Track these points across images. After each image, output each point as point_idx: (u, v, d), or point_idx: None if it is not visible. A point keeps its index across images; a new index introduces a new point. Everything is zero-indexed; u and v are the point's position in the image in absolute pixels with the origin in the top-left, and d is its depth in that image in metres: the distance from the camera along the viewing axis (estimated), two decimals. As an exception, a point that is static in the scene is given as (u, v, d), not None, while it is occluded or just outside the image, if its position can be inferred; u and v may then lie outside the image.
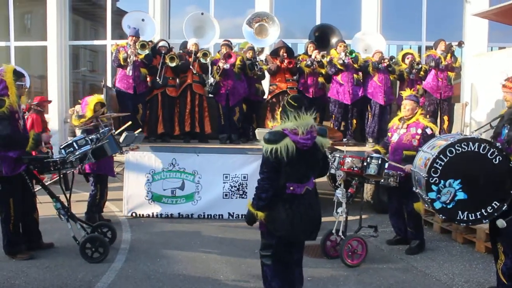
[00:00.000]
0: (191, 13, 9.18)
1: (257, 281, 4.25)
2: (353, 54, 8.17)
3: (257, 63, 8.24)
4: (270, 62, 8.46)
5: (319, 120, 8.76)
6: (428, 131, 5.40)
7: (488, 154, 3.77)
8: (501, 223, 3.81)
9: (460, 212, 3.85)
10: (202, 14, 9.15)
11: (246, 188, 6.99)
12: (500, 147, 3.82)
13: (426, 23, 11.99)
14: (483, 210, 3.84)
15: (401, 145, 5.50)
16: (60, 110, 12.12)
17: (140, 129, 6.83)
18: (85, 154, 4.97)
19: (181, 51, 8.60)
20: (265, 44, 9.20)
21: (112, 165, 6.65)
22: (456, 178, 3.81)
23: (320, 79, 8.58)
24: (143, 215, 7.08)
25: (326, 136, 3.51)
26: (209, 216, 7.07)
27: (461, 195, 3.83)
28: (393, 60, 8.44)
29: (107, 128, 5.41)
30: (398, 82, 8.97)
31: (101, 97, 6.53)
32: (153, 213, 7.08)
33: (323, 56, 8.29)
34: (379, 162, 5.05)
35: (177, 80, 8.31)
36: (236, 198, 7.00)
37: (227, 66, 7.82)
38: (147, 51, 7.74)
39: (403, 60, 8.71)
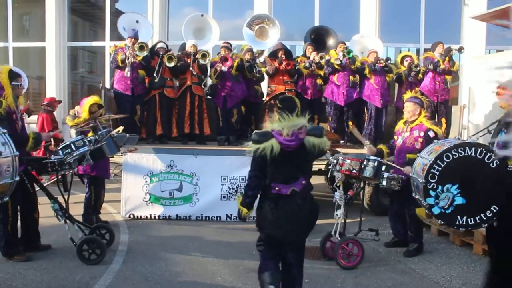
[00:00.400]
0: (191, 14, 9.19)
1: (255, 282, 4.24)
2: (351, 54, 8.18)
3: (255, 65, 8.25)
4: (268, 64, 8.47)
5: (317, 122, 8.78)
6: (431, 134, 5.37)
7: (485, 159, 3.78)
8: None
9: (459, 217, 3.86)
10: (202, 16, 9.16)
11: (244, 190, 6.98)
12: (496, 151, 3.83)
13: (425, 26, 12.02)
14: (482, 214, 3.85)
15: (404, 148, 5.51)
16: (59, 111, 12.05)
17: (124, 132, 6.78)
18: (83, 155, 4.96)
19: (179, 53, 8.60)
20: (265, 46, 9.20)
21: (107, 166, 6.63)
22: (454, 183, 3.82)
23: (319, 81, 8.58)
24: (141, 216, 7.07)
25: (322, 136, 3.48)
26: (207, 218, 7.07)
27: (459, 200, 3.83)
28: (389, 61, 8.43)
29: (106, 130, 5.40)
30: (396, 85, 8.98)
31: (98, 98, 6.51)
32: (151, 215, 7.07)
33: (321, 58, 8.30)
34: (375, 164, 5.07)
35: (175, 81, 8.31)
36: (234, 200, 6.97)
37: (224, 68, 7.84)
38: (145, 53, 7.75)
39: (401, 62, 8.72)
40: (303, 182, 3.50)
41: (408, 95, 5.87)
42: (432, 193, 3.85)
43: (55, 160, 4.89)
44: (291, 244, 3.67)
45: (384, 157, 5.53)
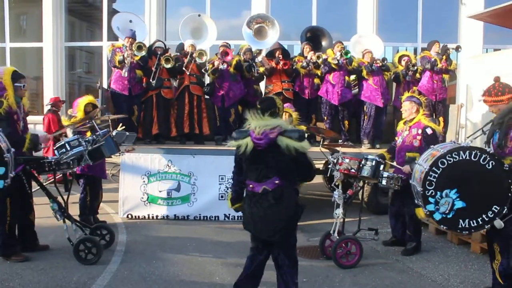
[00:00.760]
0: (188, 14, 9.18)
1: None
2: (348, 55, 8.19)
3: (254, 64, 8.25)
4: (265, 63, 8.47)
5: (314, 121, 8.79)
6: (428, 131, 5.38)
7: (481, 160, 3.79)
8: (498, 223, 3.83)
9: (461, 220, 3.86)
10: (199, 16, 9.15)
11: (242, 190, 6.98)
12: (491, 152, 3.84)
13: (422, 25, 12.04)
14: (483, 216, 3.85)
15: (404, 147, 5.52)
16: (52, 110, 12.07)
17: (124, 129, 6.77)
18: (81, 155, 4.95)
19: (178, 53, 8.60)
20: (263, 46, 9.20)
21: (104, 166, 6.61)
22: (452, 188, 3.83)
23: (316, 81, 8.59)
24: (138, 216, 7.06)
25: (301, 140, 3.47)
26: (205, 218, 7.06)
27: (459, 204, 3.84)
28: (385, 61, 8.43)
29: (105, 130, 5.39)
30: (394, 84, 8.99)
31: (92, 98, 6.49)
32: (148, 215, 7.06)
33: (318, 57, 8.30)
34: (373, 164, 5.07)
35: (173, 81, 8.31)
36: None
37: (222, 66, 7.84)
38: (143, 53, 7.75)
39: (399, 62, 8.73)
40: (277, 182, 3.51)
41: (405, 95, 5.89)
42: (431, 200, 3.86)
43: (52, 160, 4.89)
44: (274, 243, 3.67)
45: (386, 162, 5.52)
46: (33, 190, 5.42)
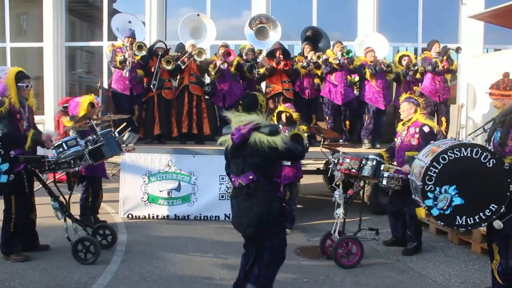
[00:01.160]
0: (187, 14, 9.18)
1: (254, 282, 4.24)
2: (350, 55, 8.18)
3: (255, 65, 8.25)
4: (266, 63, 8.47)
5: (315, 121, 8.79)
6: (426, 129, 5.39)
7: (482, 158, 3.79)
8: (497, 224, 3.83)
9: (458, 217, 3.86)
10: (198, 15, 9.15)
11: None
12: (492, 150, 3.84)
13: (422, 25, 12.03)
14: (481, 214, 3.85)
15: (403, 146, 5.53)
16: (57, 111, 12.08)
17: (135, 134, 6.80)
18: (82, 155, 4.95)
19: (178, 53, 8.60)
20: (263, 46, 9.20)
21: (104, 166, 6.62)
22: (451, 184, 3.82)
23: (316, 80, 8.59)
24: (139, 216, 7.07)
25: (272, 134, 3.51)
26: (206, 218, 7.06)
27: (457, 201, 3.83)
28: (390, 68, 8.39)
29: (107, 130, 5.39)
30: (394, 84, 8.98)
31: (92, 97, 6.51)
32: (149, 215, 7.06)
33: (318, 57, 8.29)
34: (374, 163, 5.07)
35: (173, 82, 8.31)
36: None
37: (224, 66, 7.86)
38: (143, 52, 7.75)
39: (399, 62, 8.71)
40: (251, 177, 3.56)
41: (403, 97, 5.90)
42: (430, 195, 3.86)
43: (51, 159, 4.90)
44: (250, 238, 3.77)
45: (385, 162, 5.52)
46: (34, 189, 5.41)
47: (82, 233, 5.26)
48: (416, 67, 8.43)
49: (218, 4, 12.27)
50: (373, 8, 11.67)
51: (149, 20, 11.82)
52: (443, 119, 8.33)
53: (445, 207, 3.85)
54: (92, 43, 13.20)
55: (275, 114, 6.57)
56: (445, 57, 8.16)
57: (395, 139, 5.85)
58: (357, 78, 8.72)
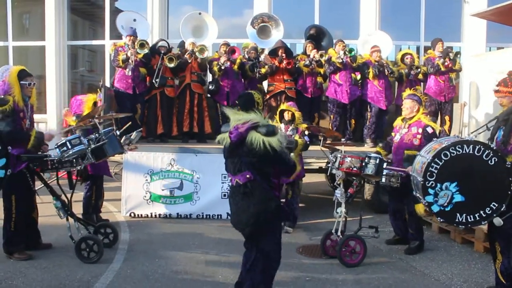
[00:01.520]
0: (189, 12, 9.18)
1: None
2: (352, 53, 8.16)
3: (258, 64, 8.24)
4: (268, 61, 8.46)
5: (317, 120, 8.78)
6: (429, 130, 5.38)
7: (484, 156, 3.78)
8: (497, 221, 3.81)
9: (458, 214, 3.86)
10: (200, 14, 9.15)
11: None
12: (494, 148, 3.83)
13: (425, 23, 11.99)
14: (481, 212, 3.84)
15: (402, 144, 5.51)
16: (59, 110, 12.08)
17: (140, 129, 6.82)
18: (84, 153, 4.96)
19: (179, 51, 8.61)
20: (265, 45, 9.20)
21: (107, 164, 6.64)
22: (452, 181, 3.82)
23: (319, 79, 8.57)
24: (141, 215, 7.07)
25: (268, 135, 3.48)
26: (208, 216, 7.07)
27: (458, 198, 3.83)
28: (393, 74, 8.34)
29: (109, 128, 5.40)
30: (396, 83, 8.96)
31: (95, 96, 6.52)
32: (151, 213, 7.07)
33: (321, 56, 8.28)
34: (377, 162, 5.06)
35: (175, 80, 8.31)
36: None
37: (227, 64, 7.86)
38: (146, 50, 7.75)
39: (402, 60, 8.69)
40: (248, 176, 3.55)
41: (406, 92, 5.87)
42: (431, 191, 3.85)
43: (54, 158, 4.91)
44: (247, 237, 3.76)
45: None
46: (36, 189, 5.42)
47: (85, 232, 5.26)
48: (419, 69, 8.40)
49: (220, 3, 12.25)
50: (376, 7, 11.64)
51: (151, 19, 11.79)
52: (447, 117, 8.29)
53: (446, 204, 3.85)
54: (94, 42, 13.19)
55: (277, 112, 6.57)
56: (447, 58, 8.11)
57: (392, 134, 5.83)
58: (359, 77, 8.70)
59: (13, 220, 5.04)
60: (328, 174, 5.86)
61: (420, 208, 5.35)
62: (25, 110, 5.06)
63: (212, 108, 8.38)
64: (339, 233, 5.27)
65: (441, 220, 4.04)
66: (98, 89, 7.47)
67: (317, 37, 9.34)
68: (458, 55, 8.19)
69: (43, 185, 5.26)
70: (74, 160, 4.93)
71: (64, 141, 4.98)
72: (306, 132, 6.27)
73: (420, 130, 5.42)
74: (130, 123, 6.18)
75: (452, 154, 3.81)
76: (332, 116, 8.46)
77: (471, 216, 3.86)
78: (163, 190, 7.06)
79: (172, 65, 7.90)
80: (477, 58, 8.96)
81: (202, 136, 8.27)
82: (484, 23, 11.02)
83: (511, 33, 10.13)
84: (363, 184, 5.57)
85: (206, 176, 7.04)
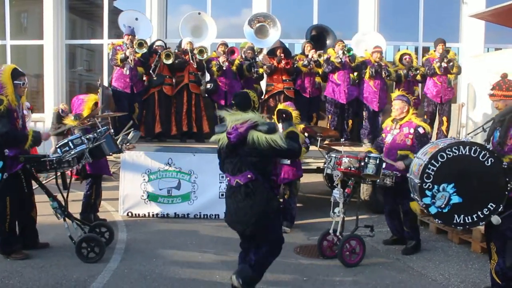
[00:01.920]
0: (188, 12, 9.18)
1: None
2: (351, 52, 8.16)
3: (255, 64, 8.24)
4: (266, 61, 8.46)
5: (316, 120, 8.77)
6: (420, 130, 5.45)
7: (480, 157, 3.78)
8: (496, 219, 3.81)
9: (456, 215, 3.86)
10: (199, 14, 9.15)
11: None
12: (491, 149, 3.83)
13: (423, 24, 12.02)
14: (479, 212, 3.84)
15: (395, 145, 5.52)
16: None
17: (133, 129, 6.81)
18: (82, 153, 4.95)
19: (176, 50, 8.60)
20: (264, 45, 9.20)
21: (107, 163, 6.64)
22: (449, 182, 3.82)
23: (317, 79, 8.57)
24: (139, 214, 7.06)
25: (270, 132, 3.49)
26: (205, 216, 7.06)
27: (456, 199, 3.83)
28: (390, 77, 8.34)
29: (104, 128, 5.39)
30: (394, 83, 8.96)
31: (97, 96, 6.51)
32: (149, 213, 7.06)
33: (319, 56, 8.28)
34: (377, 162, 5.06)
35: (174, 79, 8.30)
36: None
37: (225, 64, 7.86)
38: (144, 50, 7.74)
39: (400, 60, 8.70)
40: (249, 176, 3.54)
41: (396, 93, 5.90)
42: (428, 193, 3.85)
43: (54, 158, 4.88)
44: (247, 237, 3.74)
45: None
46: (33, 188, 5.41)
47: (82, 232, 5.25)
48: (418, 71, 8.41)
49: (218, 2, 12.27)
50: (374, 7, 11.66)
51: (150, 18, 11.79)
52: (444, 118, 8.31)
53: (443, 206, 3.84)
54: (93, 41, 13.19)
55: (275, 112, 6.56)
56: (443, 62, 8.08)
57: (383, 135, 5.84)
58: (356, 74, 8.72)
59: (7, 221, 5.00)
60: (324, 174, 5.85)
61: (415, 206, 5.37)
62: (18, 110, 4.99)
63: (209, 108, 8.37)
64: (337, 233, 5.27)
65: (439, 221, 4.03)
66: (98, 90, 7.49)
67: (320, 37, 9.34)
68: (451, 62, 8.07)
69: (38, 185, 5.24)
70: (72, 160, 4.92)
71: (66, 141, 4.96)
72: (306, 134, 6.27)
73: (412, 130, 5.48)
74: (131, 122, 6.19)
75: (448, 156, 3.81)
76: (330, 116, 8.46)
77: (469, 217, 3.86)
78: (160, 189, 7.05)
79: (169, 61, 7.88)
80: (475, 59, 8.98)
81: (201, 136, 8.27)
82: (483, 24, 11.06)
83: (509, 34, 10.14)
84: (359, 183, 5.57)
85: (203, 176, 7.03)
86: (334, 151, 5.59)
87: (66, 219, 5.11)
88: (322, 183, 9.63)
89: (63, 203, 5.15)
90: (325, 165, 5.44)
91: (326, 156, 5.49)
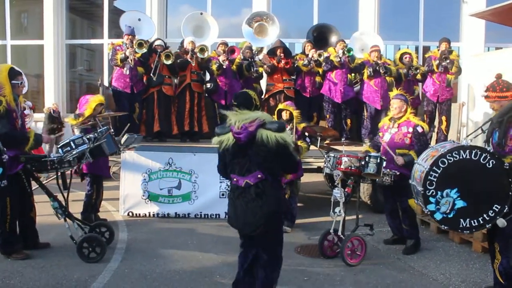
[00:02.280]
0: (189, 12, 9.20)
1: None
2: (351, 53, 8.16)
3: (254, 63, 8.24)
4: (266, 61, 8.46)
5: (316, 120, 8.77)
6: (419, 129, 5.45)
7: (481, 159, 3.78)
8: (501, 222, 3.80)
9: (461, 220, 3.85)
10: (202, 14, 9.16)
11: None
12: (491, 151, 3.82)
13: (424, 23, 12.01)
14: (484, 215, 3.83)
15: (393, 144, 5.51)
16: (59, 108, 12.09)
17: (133, 133, 6.81)
18: (82, 153, 4.95)
19: (178, 50, 8.61)
20: (264, 43, 9.21)
21: (108, 164, 6.64)
22: (452, 187, 3.81)
23: (317, 79, 8.57)
24: (139, 214, 7.06)
25: (280, 131, 3.45)
26: (206, 216, 7.06)
27: (460, 203, 3.82)
28: (387, 73, 8.32)
29: (105, 127, 5.39)
30: (394, 83, 8.95)
31: (102, 97, 6.50)
32: (149, 213, 7.06)
33: (319, 55, 8.28)
34: (378, 161, 5.06)
35: (173, 78, 8.31)
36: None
37: (225, 64, 7.86)
38: (144, 50, 7.75)
39: (400, 59, 8.69)
40: (259, 176, 3.50)
41: (394, 92, 5.89)
42: (432, 199, 3.85)
43: (55, 158, 4.88)
44: (255, 237, 3.65)
45: None
46: (33, 188, 5.41)
47: (82, 232, 5.25)
48: (418, 70, 8.40)
49: (218, 2, 12.27)
50: (374, 7, 11.65)
51: (150, 18, 11.81)
52: (444, 118, 8.29)
53: (448, 211, 3.83)
54: (93, 41, 13.20)
55: (275, 112, 6.56)
56: (441, 61, 8.07)
57: (380, 134, 5.83)
58: (353, 75, 8.73)
59: (7, 221, 5.00)
60: (324, 174, 5.85)
61: (413, 203, 5.38)
62: (17, 110, 4.98)
63: (209, 108, 8.38)
64: (339, 233, 5.27)
65: (446, 227, 4.02)
66: (99, 89, 7.50)
67: (321, 38, 9.33)
68: (448, 60, 8.05)
69: (38, 186, 5.24)
70: (72, 160, 4.92)
71: (68, 141, 4.96)
72: (306, 134, 6.27)
73: (411, 129, 5.47)
74: (129, 125, 6.18)
75: (449, 161, 3.81)
76: (328, 116, 8.47)
77: (475, 221, 3.85)
78: (161, 189, 7.05)
79: (169, 61, 7.89)
80: (475, 58, 8.98)
81: (202, 136, 8.28)
82: (483, 23, 11.05)
83: (509, 33, 10.14)
84: (359, 183, 5.58)
85: (204, 175, 7.02)
86: (333, 150, 5.59)
87: (67, 219, 5.11)
88: (322, 182, 9.62)
89: (63, 203, 5.15)
90: (325, 165, 5.44)
91: (325, 156, 5.49)
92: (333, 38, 9.36)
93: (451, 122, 8.31)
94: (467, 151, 3.78)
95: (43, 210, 5.74)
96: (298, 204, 6.94)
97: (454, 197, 3.81)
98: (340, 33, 9.44)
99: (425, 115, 8.30)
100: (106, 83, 9.59)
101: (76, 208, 6.27)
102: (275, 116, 6.49)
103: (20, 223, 5.24)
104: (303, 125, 6.44)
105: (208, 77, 8.69)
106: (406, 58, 8.57)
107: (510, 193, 3.79)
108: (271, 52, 8.67)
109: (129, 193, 7.07)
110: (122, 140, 5.91)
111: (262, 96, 8.75)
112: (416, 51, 11.50)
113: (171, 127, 8.34)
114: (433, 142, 8.01)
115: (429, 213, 3.88)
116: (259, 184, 3.50)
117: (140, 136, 6.68)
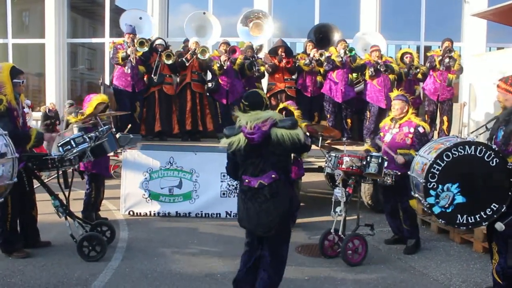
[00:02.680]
0: (191, 12, 9.20)
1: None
2: (353, 52, 8.15)
3: (255, 62, 8.23)
4: (268, 60, 8.46)
5: (317, 119, 8.77)
6: (420, 130, 5.45)
7: (485, 157, 3.77)
8: (499, 226, 3.78)
9: (459, 215, 3.84)
10: (204, 13, 9.17)
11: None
12: (496, 149, 3.82)
13: (425, 23, 12.00)
14: (482, 213, 3.83)
15: (394, 144, 5.51)
16: (58, 108, 12.10)
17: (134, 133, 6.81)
18: (83, 151, 4.95)
19: (181, 50, 8.61)
20: (262, 40, 9.20)
21: (108, 164, 6.64)
22: (454, 182, 3.80)
23: (319, 78, 8.57)
24: (140, 213, 7.06)
25: (293, 128, 3.44)
26: (207, 215, 7.06)
27: (459, 199, 3.82)
28: (388, 71, 8.31)
29: (106, 126, 5.39)
30: (395, 82, 8.95)
31: (106, 97, 6.49)
32: (150, 212, 7.06)
33: (321, 55, 8.28)
34: (379, 161, 5.06)
35: (174, 78, 8.31)
36: (234, 197, 6.95)
37: (226, 63, 7.86)
38: (145, 48, 7.75)
39: (401, 59, 8.68)
40: (273, 176, 3.47)
41: (395, 93, 5.88)
42: (432, 192, 3.84)
43: (56, 157, 4.88)
44: (265, 238, 3.63)
45: None
46: (34, 187, 5.41)
47: (83, 230, 5.25)
48: (418, 69, 8.39)
49: (219, 2, 12.26)
50: (376, 7, 11.65)
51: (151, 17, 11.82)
52: (445, 118, 8.28)
53: (447, 205, 3.83)
54: (94, 40, 13.20)
55: (277, 111, 6.56)
56: (443, 58, 8.06)
57: (381, 134, 5.83)
58: (354, 75, 8.71)
59: (8, 220, 5.01)
60: (325, 174, 5.85)
61: (414, 203, 5.38)
62: (18, 108, 4.98)
63: (212, 107, 8.38)
64: (339, 233, 5.27)
65: (442, 221, 4.02)
66: (100, 88, 7.51)
67: (323, 37, 9.33)
68: (451, 59, 8.04)
69: (39, 184, 5.24)
70: (73, 158, 4.92)
71: (68, 139, 4.96)
72: (307, 134, 6.26)
73: (412, 130, 5.47)
74: (130, 126, 6.18)
75: (454, 155, 3.80)
76: (328, 116, 8.47)
77: (472, 217, 3.85)
78: (162, 188, 7.05)
79: (170, 61, 7.89)
80: (477, 58, 8.97)
81: (205, 134, 8.29)
82: (484, 23, 11.04)
83: (511, 33, 10.12)
84: (360, 183, 5.58)
85: (205, 174, 7.03)
86: (335, 150, 5.58)
87: (68, 217, 5.11)
88: (323, 182, 9.62)
89: (64, 202, 5.15)
90: (326, 165, 5.44)
91: (326, 155, 5.48)
92: (336, 37, 9.34)
93: (452, 122, 8.30)
94: (473, 147, 3.77)
95: (44, 209, 5.74)
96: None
97: (455, 192, 3.81)
98: (340, 30, 9.43)
99: (426, 115, 8.29)
100: (107, 82, 9.60)
101: (77, 207, 6.28)
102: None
103: (21, 221, 5.25)
104: (304, 124, 6.44)
105: (209, 76, 8.69)
106: (407, 58, 8.56)
107: (510, 193, 3.78)
108: (273, 52, 8.67)
109: (130, 192, 7.07)
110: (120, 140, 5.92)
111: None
112: (418, 51, 11.50)
113: (172, 126, 8.34)
114: (433, 143, 7.99)
115: (428, 205, 3.87)
116: (273, 184, 3.47)
117: (137, 137, 6.65)
